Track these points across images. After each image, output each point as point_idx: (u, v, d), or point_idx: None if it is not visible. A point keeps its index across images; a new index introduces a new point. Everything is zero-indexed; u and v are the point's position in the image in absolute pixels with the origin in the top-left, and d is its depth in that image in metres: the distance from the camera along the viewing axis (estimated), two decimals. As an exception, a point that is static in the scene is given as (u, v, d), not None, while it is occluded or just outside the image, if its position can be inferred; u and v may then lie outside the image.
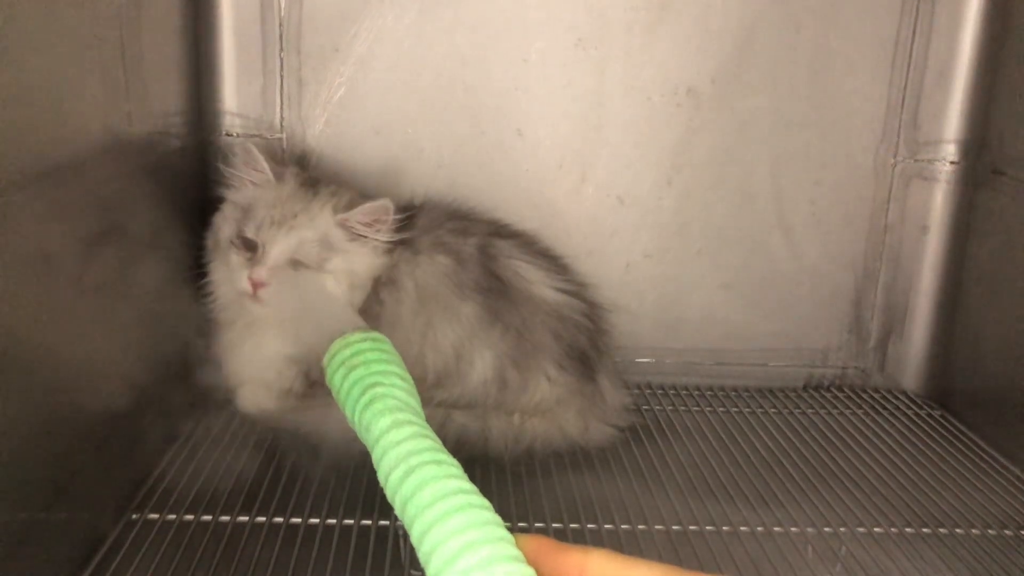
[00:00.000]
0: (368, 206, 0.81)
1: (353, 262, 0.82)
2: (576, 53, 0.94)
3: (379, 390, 0.44)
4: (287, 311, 0.76)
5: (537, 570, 0.35)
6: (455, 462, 0.40)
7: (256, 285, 0.78)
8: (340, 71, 0.92)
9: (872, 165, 0.99)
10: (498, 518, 0.37)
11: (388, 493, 0.40)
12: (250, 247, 0.80)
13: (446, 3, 0.92)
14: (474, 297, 0.82)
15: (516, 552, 0.35)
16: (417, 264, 0.83)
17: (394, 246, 0.83)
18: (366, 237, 0.82)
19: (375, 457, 0.41)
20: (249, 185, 0.83)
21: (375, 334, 0.48)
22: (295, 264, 0.80)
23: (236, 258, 0.80)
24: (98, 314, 0.64)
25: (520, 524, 0.70)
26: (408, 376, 0.46)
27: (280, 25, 0.91)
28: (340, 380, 0.46)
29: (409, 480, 0.38)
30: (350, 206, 0.82)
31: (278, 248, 0.79)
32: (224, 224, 0.83)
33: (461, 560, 0.34)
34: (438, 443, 0.41)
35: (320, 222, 0.81)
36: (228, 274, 0.81)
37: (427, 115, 0.94)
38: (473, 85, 0.94)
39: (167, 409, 0.77)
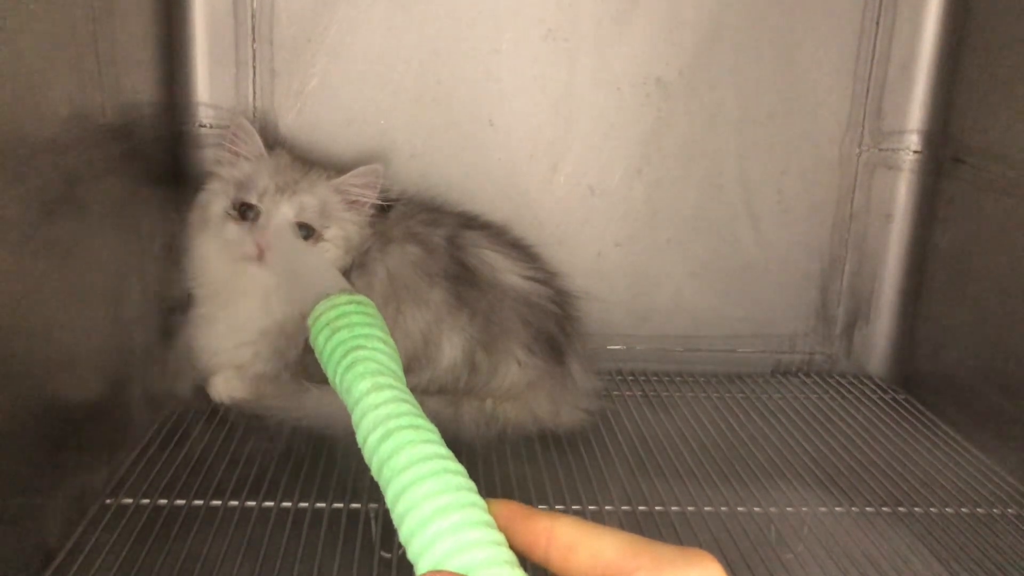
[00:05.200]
0: (361, 169, 0.86)
1: (348, 229, 0.86)
2: (547, 44, 0.95)
3: (361, 353, 0.44)
4: (282, 271, 0.78)
5: (507, 535, 0.36)
6: (433, 427, 0.40)
7: (261, 249, 0.81)
8: (312, 62, 0.93)
9: (837, 155, 1.01)
10: (472, 483, 0.37)
11: (366, 455, 0.40)
12: (250, 215, 0.83)
13: (418, -6, 0.93)
14: (442, 284, 0.84)
15: (487, 518, 0.36)
16: (388, 252, 0.85)
17: (379, 216, 0.87)
18: (359, 202, 0.86)
19: (354, 419, 0.41)
20: (243, 160, 0.86)
21: (360, 297, 0.48)
22: (296, 228, 0.83)
23: (235, 227, 0.83)
24: (64, 295, 0.65)
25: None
26: (391, 340, 0.46)
27: (252, 16, 0.92)
28: (324, 341, 0.46)
29: (386, 443, 0.39)
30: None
31: (282, 212, 0.83)
32: (215, 198, 0.85)
33: (433, 524, 0.35)
34: (417, 408, 0.41)
35: (319, 189, 0.85)
36: (223, 245, 0.84)
37: (399, 106, 0.95)
38: (445, 76, 0.95)
39: (141, 393, 0.78)
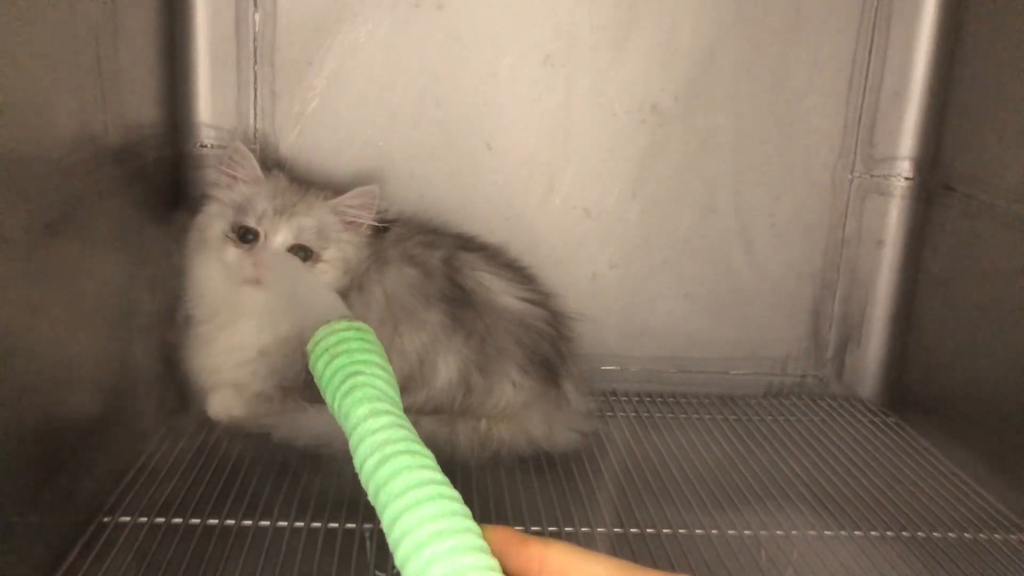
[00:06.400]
0: (358, 190, 0.87)
1: (346, 250, 0.87)
2: (544, 69, 0.96)
3: (360, 379, 0.44)
4: (281, 296, 0.79)
5: (501, 560, 0.37)
6: (429, 453, 0.41)
7: (261, 271, 0.82)
8: (313, 84, 0.94)
9: (830, 180, 1.03)
10: (466, 509, 0.38)
11: (362, 479, 0.41)
12: (249, 237, 0.83)
13: (418, 19, 0.94)
14: (439, 306, 0.85)
15: (481, 543, 0.37)
16: (386, 274, 0.86)
17: (376, 236, 0.88)
18: (355, 223, 0.87)
19: (352, 444, 0.42)
20: (240, 183, 0.87)
21: (360, 323, 0.49)
22: (295, 251, 0.84)
23: (234, 250, 0.84)
24: (66, 313, 0.66)
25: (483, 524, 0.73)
26: (389, 366, 0.47)
27: (254, 39, 0.93)
28: (323, 367, 0.47)
29: (383, 468, 0.39)
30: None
31: (281, 235, 0.84)
32: (214, 221, 0.86)
33: (428, 548, 0.36)
34: (413, 434, 0.42)
35: (317, 211, 0.86)
36: (222, 267, 0.85)
37: (399, 128, 0.96)
38: (444, 99, 0.96)
39: (140, 412, 0.78)
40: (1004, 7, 0.89)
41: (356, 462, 0.42)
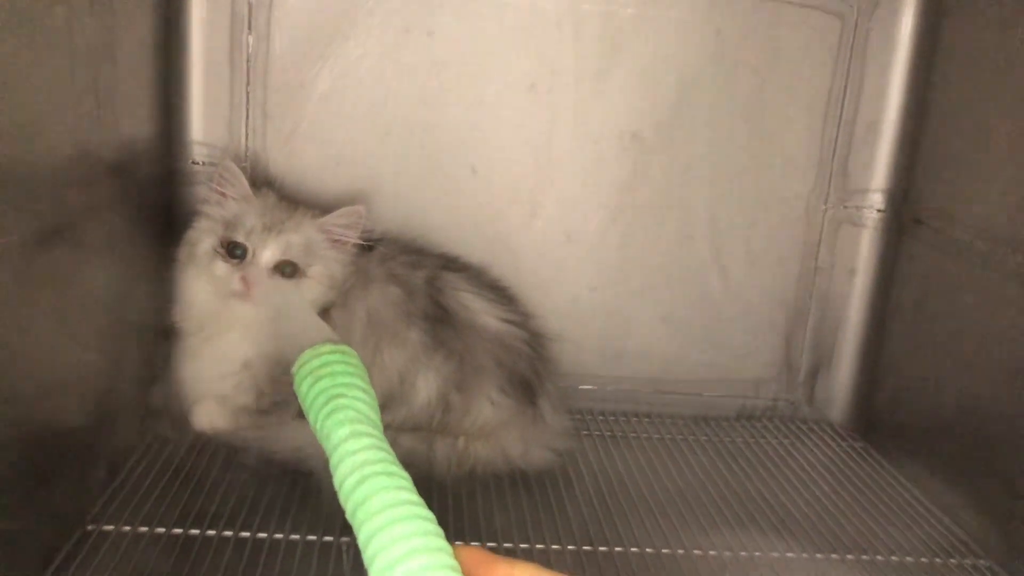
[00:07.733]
0: (344, 209, 0.89)
1: (332, 268, 0.89)
2: (529, 97, 0.99)
3: (342, 401, 0.46)
4: (271, 318, 0.80)
5: None
6: (406, 475, 0.42)
7: (249, 285, 0.84)
8: (304, 106, 0.97)
9: (804, 210, 1.06)
10: (439, 529, 0.40)
11: (341, 498, 0.42)
12: (238, 253, 0.85)
13: (408, 46, 0.96)
14: (420, 324, 0.87)
15: (452, 562, 0.39)
16: (369, 292, 0.88)
17: (362, 255, 0.90)
18: (342, 241, 0.89)
19: (332, 463, 0.44)
20: (230, 200, 0.88)
21: (344, 347, 0.50)
22: (282, 266, 0.86)
23: (223, 264, 0.86)
24: (56, 324, 0.67)
25: (456, 543, 0.74)
26: (371, 390, 0.48)
27: (247, 61, 0.95)
28: (307, 388, 0.48)
29: (361, 488, 0.41)
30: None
31: (269, 251, 0.86)
32: (204, 236, 0.88)
33: (401, 566, 0.37)
34: (392, 456, 0.43)
35: (305, 228, 0.88)
36: (211, 281, 0.86)
37: (387, 150, 0.99)
38: (431, 123, 0.99)
39: (125, 421, 0.80)
40: (975, 47, 0.92)
41: (336, 481, 0.43)
